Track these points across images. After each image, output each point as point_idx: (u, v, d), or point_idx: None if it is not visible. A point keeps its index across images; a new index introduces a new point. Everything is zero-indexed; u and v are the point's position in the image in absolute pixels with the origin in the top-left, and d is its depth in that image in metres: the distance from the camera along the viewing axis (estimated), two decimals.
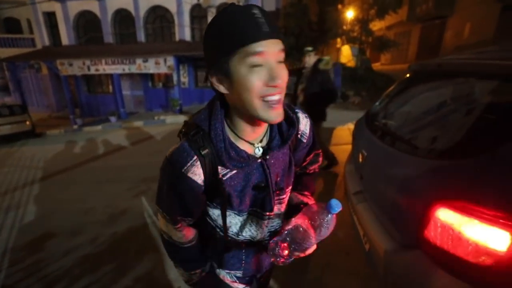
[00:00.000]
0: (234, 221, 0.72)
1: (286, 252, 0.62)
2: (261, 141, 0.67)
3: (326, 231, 0.59)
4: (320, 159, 0.88)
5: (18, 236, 2.87)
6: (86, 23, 12.35)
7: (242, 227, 0.73)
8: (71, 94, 10.96)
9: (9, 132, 8.57)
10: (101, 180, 4.35)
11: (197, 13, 11.76)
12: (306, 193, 0.83)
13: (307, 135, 0.76)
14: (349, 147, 2.35)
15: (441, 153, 1.00)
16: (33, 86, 13.33)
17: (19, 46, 12.65)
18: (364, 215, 1.39)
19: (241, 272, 0.79)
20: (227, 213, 0.69)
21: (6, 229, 3.02)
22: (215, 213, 0.71)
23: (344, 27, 12.29)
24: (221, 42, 0.52)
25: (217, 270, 0.81)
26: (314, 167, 0.89)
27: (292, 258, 0.64)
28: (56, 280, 2.13)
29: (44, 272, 2.23)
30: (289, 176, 0.75)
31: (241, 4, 0.60)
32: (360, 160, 1.54)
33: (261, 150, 0.66)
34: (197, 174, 0.61)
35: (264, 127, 0.65)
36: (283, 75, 0.54)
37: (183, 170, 0.60)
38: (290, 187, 0.78)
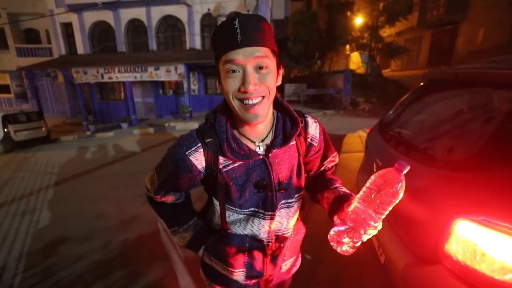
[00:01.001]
0: (235, 218, 0.73)
1: (350, 237, 0.60)
2: (263, 140, 0.70)
3: (393, 200, 0.55)
4: (337, 159, 0.88)
5: (33, 240, 2.94)
6: (101, 32, 12.78)
7: (244, 225, 0.74)
8: (84, 101, 11.28)
9: (26, 138, 8.86)
10: (112, 185, 4.43)
11: (208, 22, 12.00)
12: (337, 185, 0.80)
13: (318, 139, 0.77)
14: (361, 155, 2.32)
15: (460, 165, 0.97)
16: (49, 93, 13.81)
17: (38, 55, 13.18)
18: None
19: (243, 271, 0.77)
20: (228, 210, 0.72)
21: (21, 233, 3.10)
22: (218, 205, 0.74)
23: (353, 34, 12.28)
24: (214, 50, 0.62)
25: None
26: (334, 166, 0.89)
27: (359, 243, 0.61)
28: (69, 285, 2.16)
29: (57, 277, 2.26)
30: (299, 181, 0.74)
31: (250, 12, 0.64)
32: (375, 170, 1.52)
33: (263, 148, 0.69)
34: (199, 159, 0.67)
35: (261, 126, 0.68)
36: (255, 81, 0.58)
37: (187, 153, 0.67)
38: (300, 194, 0.77)
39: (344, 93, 10.07)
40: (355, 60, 16.22)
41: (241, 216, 0.72)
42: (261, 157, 0.68)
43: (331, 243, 0.64)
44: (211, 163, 0.67)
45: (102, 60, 11.16)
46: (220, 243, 0.77)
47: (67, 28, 12.84)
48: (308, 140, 0.75)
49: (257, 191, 0.69)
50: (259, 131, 0.68)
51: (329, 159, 0.83)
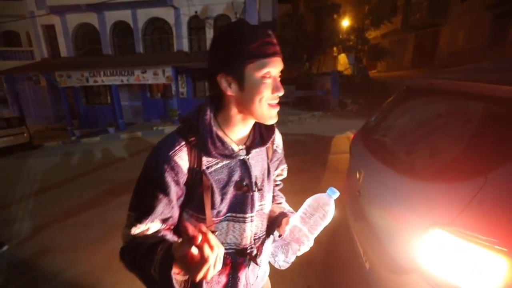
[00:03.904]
0: (214, 228, 0.69)
1: (286, 252, 0.66)
2: (244, 143, 0.72)
3: (324, 222, 0.65)
4: (286, 173, 0.93)
5: (14, 252, 2.83)
6: (85, 35, 12.48)
7: (225, 234, 0.71)
8: (69, 105, 10.97)
9: (6, 144, 8.50)
10: (98, 193, 4.32)
11: (195, 24, 11.93)
12: (281, 201, 0.90)
13: (281, 147, 0.85)
14: (346, 156, 2.36)
15: (436, 176, 1.01)
16: (31, 98, 13.35)
17: (18, 58, 12.72)
18: (363, 234, 1.38)
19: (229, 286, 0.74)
20: (206, 219, 0.67)
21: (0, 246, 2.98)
22: (194, 217, 0.68)
23: (340, 36, 12.51)
24: (243, 48, 0.60)
25: None
26: (281, 178, 0.94)
27: (293, 259, 0.67)
28: None
29: None
30: (269, 183, 0.78)
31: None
32: (358, 176, 1.55)
33: (245, 151, 0.71)
34: (183, 159, 0.64)
35: (249, 129, 0.72)
36: (282, 87, 0.65)
37: (170, 153, 0.63)
38: (270, 195, 0.80)
39: (332, 94, 10.22)
40: (342, 62, 16.50)
41: (220, 224, 0.69)
42: (242, 157, 0.69)
43: (269, 257, 0.70)
44: (195, 164, 0.65)
45: (87, 63, 10.90)
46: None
47: (49, 31, 12.47)
48: (275, 146, 0.81)
49: (237, 193, 0.70)
50: (244, 134, 0.71)
51: (280, 168, 0.88)
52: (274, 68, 0.62)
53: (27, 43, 13.47)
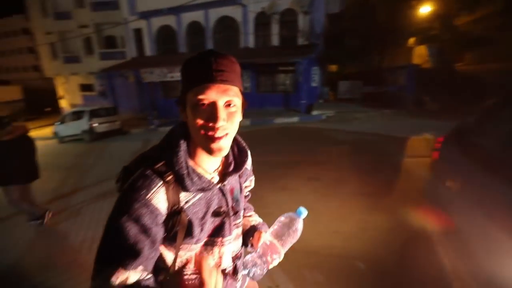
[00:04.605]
0: (190, 257, 0.68)
1: (259, 264, 0.71)
2: (217, 169, 0.71)
3: (293, 238, 0.73)
4: (253, 184, 0.92)
5: None
6: (165, 36, 14.06)
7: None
8: (150, 98, 12.61)
9: (105, 129, 10.37)
10: None
11: (261, 20, 12.19)
12: (251, 213, 0.93)
13: (250, 164, 0.84)
14: (427, 160, 2.13)
15: None
16: (122, 91, 15.82)
17: (115, 58, 15.20)
18: (455, 249, 1.24)
19: None
20: (183, 250, 0.66)
21: (107, 211, 3.66)
22: (169, 256, 0.66)
23: (419, 25, 11.02)
24: (187, 74, 0.61)
25: None
26: (249, 189, 0.93)
27: (265, 271, 0.71)
28: None
29: None
30: (242, 201, 0.80)
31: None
32: (449, 184, 1.38)
33: (218, 177, 0.70)
34: (162, 201, 0.60)
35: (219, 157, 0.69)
36: (223, 118, 0.59)
37: (147, 197, 0.58)
38: (243, 211, 0.82)
39: (407, 90, 9.17)
40: (419, 54, 14.55)
41: (197, 251, 0.68)
42: (218, 186, 0.69)
43: (244, 269, 0.72)
44: (173, 202, 0.62)
45: (166, 61, 12.30)
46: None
47: (138, 33, 14.48)
48: (246, 165, 0.78)
49: (215, 220, 0.69)
50: (215, 162, 0.69)
51: (249, 179, 0.87)
52: (213, 94, 0.58)
53: (121, 45, 15.92)
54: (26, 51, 32.05)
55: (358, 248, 2.32)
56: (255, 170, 0.90)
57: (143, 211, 0.58)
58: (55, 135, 11.03)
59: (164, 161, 0.63)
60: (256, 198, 0.94)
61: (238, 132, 0.69)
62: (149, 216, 0.58)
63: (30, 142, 3.23)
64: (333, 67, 15.92)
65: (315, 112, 9.94)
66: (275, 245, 0.71)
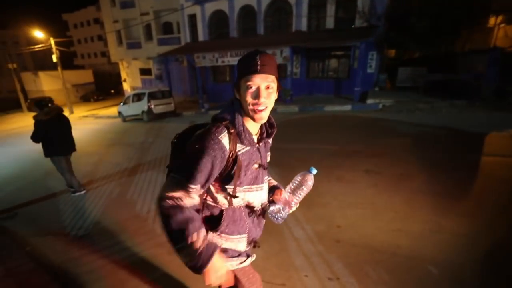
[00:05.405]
0: (238, 194, 0.96)
1: (283, 212, 1.02)
2: (256, 133, 0.98)
3: (306, 192, 0.99)
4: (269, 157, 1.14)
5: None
6: (217, 21, 14.28)
7: (243, 198, 0.98)
8: (201, 82, 13.09)
9: (161, 111, 11.19)
10: None
11: (316, 2, 11.51)
12: (270, 178, 1.17)
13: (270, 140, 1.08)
14: (510, 160, 1.77)
15: None
16: (176, 75, 16.77)
17: (171, 44, 16.04)
18: None
19: (245, 236, 1.03)
20: (232, 188, 0.94)
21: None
22: (220, 196, 0.97)
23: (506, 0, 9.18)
24: (239, 68, 0.88)
25: (223, 245, 0.99)
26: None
27: (286, 217, 1.03)
28: None
29: None
30: (267, 165, 1.06)
31: None
32: None
33: (256, 139, 0.97)
34: (227, 144, 0.87)
35: (258, 125, 0.96)
36: (264, 97, 0.86)
37: (219, 137, 0.86)
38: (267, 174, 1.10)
39: (485, 79, 7.86)
40: (502, 35, 12.21)
41: (241, 192, 0.96)
42: (257, 145, 0.96)
43: (270, 216, 1.04)
44: (233, 149, 0.88)
45: (217, 46, 12.54)
46: (225, 220, 0.98)
47: (192, 19, 14.96)
48: (270, 139, 1.06)
49: (253, 170, 0.96)
50: (256, 127, 0.95)
51: (268, 153, 1.10)
52: (258, 81, 0.85)
53: (177, 31, 16.68)
54: (97, 39, 36.03)
55: (429, 251, 2.10)
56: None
57: (215, 146, 0.85)
58: (119, 114, 12.28)
59: (228, 121, 0.91)
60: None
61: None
62: (219, 151, 0.85)
63: (65, 120, 3.66)
64: (392, 52, 14.40)
65: (370, 101, 9.19)
66: (292, 198, 1.00)
